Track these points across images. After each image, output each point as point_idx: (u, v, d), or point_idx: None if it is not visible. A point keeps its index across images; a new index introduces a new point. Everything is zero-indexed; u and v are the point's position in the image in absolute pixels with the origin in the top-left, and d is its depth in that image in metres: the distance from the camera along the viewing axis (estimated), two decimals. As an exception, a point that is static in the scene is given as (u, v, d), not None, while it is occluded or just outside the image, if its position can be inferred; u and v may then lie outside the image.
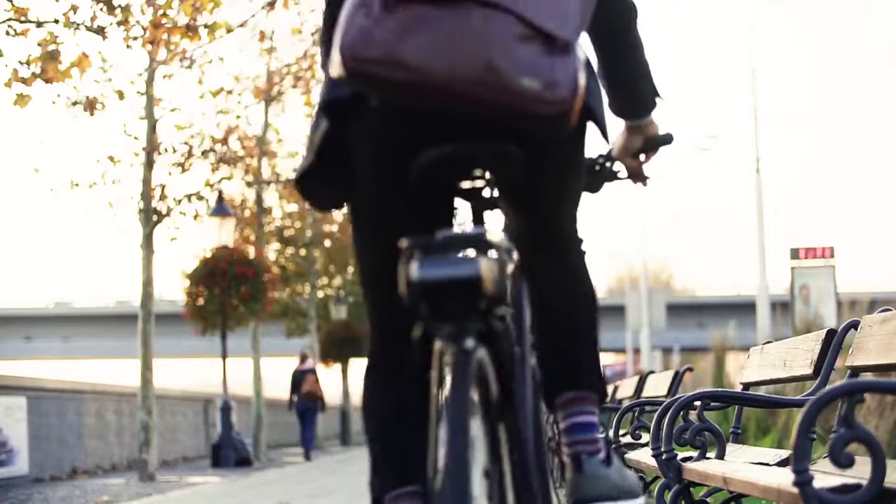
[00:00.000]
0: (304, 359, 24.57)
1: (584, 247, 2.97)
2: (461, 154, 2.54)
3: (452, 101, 2.43)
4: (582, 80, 2.45)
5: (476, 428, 2.23)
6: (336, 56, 2.43)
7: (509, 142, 2.54)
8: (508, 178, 2.63)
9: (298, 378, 23.85)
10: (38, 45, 12.25)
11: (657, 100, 2.95)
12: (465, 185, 2.61)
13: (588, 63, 2.73)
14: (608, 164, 3.04)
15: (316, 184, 2.74)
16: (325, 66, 2.68)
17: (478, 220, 2.62)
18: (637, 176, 3.03)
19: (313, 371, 24.32)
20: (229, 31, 15.52)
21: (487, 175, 2.61)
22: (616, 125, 2.96)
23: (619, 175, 3.07)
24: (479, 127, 2.51)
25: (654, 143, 2.98)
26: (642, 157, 3.00)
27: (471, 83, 2.40)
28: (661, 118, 2.99)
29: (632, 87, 2.91)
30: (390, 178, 2.61)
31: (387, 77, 2.42)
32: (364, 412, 2.76)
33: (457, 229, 2.60)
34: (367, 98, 2.57)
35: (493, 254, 2.27)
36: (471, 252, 2.24)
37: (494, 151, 2.55)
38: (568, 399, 2.80)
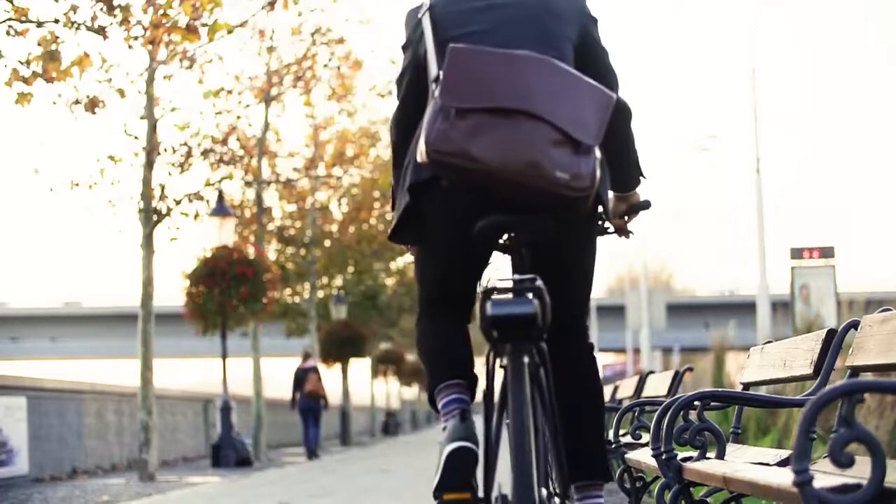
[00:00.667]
0: (306, 357, 24.71)
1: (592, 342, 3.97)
2: (507, 223, 3.58)
3: (503, 185, 3.45)
4: (598, 174, 3.45)
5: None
6: (422, 147, 3.45)
7: (543, 216, 3.53)
8: (541, 243, 3.62)
9: (301, 377, 23.90)
10: (38, 44, 12.24)
11: (641, 178, 4.00)
12: (505, 241, 3.69)
13: (601, 159, 3.60)
14: (601, 223, 3.97)
15: (398, 230, 3.87)
16: (394, 144, 3.92)
17: (515, 269, 3.63)
18: (622, 231, 4.09)
19: (315, 369, 24.36)
20: (230, 31, 15.52)
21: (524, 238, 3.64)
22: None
23: (609, 230, 4.04)
24: (521, 204, 3.51)
25: (636, 208, 4.05)
26: (626, 218, 4.07)
27: (518, 173, 3.41)
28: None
29: (624, 172, 3.96)
30: (454, 237, 3.71)
31: (459, 166, 3.44)
32: (420, 339, 3.92)
33: (518, 277, 3.48)
34: (440, 178, 3.61)
35: (540, 297, 3.34)
36: (529, 295, 3.33)
37: (532, 222, 3.56)
38: (583, 485, 3.73)
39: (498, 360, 3.42)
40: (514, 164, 3.41)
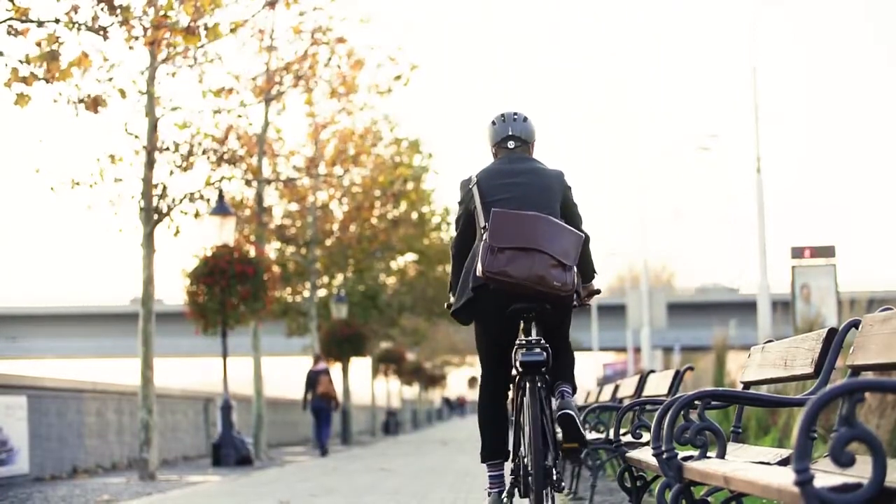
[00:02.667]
0: (317, 360, 26.08)
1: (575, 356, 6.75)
2: (527, 308, 6.28)
3: (525, 289, 6.17)
4: (576, 281, 6.28)
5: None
6: (479, 268, 6.15)
7: (545, 304, 6.26)
8: (545, 318, 6.34)
9: (313, 379, 25.19)
10: (37, 44, 12.23)
11: (594, 274, 6.77)
12: (525, 317, 6.37)
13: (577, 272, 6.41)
14: (574, 303, 6.63)
15: (458, 311, 6.55)
16: (454, 258, 6.65)
17: (529, 333, 6.35)
18: (583, 304, 6.80)
19: (327, 372, 25.70)
20: (232, 30, 15.51)
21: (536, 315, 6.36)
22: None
23: (577, 305, 6.69)
24: (534, 298, 6.23)
25: (592, 292, 6.88)
26: (585, 298, 6.84)
27: (533, 283, 6.14)
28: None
29: (585, 273, 6.73)
30: (498, 316, 6.37)
31: (501, 279, 6.15)
32: (481, 413, 6.56)
33: (533, 338, 6.31)
34: (489, 285, 6.27)
35: (545, 350, 6.22)
36: (539, 348, 6.20)
37: (540, 307, 6.27)
38: (559, 383, 6.49)
39: (524, 384, 6.31)
40: (530, 278, 6.18)
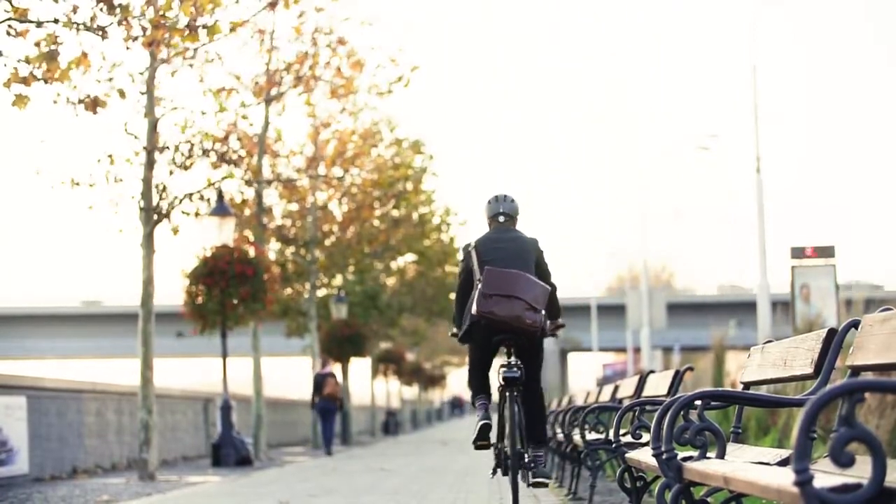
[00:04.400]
0: (324, 363, 27.04)
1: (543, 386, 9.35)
2: (507, 338, 8.78)
3: (506, 325, 8.65)
4: (543, 320, 8.73)
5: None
6: (474, 308, 8.66)
7: (521, 335, 8.73)
8: (522, 347, 8.85)
9: (319, 381, 26.18)
10: (35, 45, 12.21)
11: (559, 314, 9.19)
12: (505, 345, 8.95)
13: (544, 314, 8.83)
14: (542, 336, 8.94)
15: (461, 337, 9.12)
16: (457, 300, 9.21)
17: (509, 356, 8.89)
18: (551, 335, 9.20)
19: (333, 374, 26.58)
20: (232, 30, 15.50)
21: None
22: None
23: (545, 336, 8.96)
24: (512, 331, 8.70)
25: (556, 327, 9.23)
26: (552, 330, 9.19)
27: (512, 321, 8.61)
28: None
29: (553, 313, 9.04)
30: (486, 343, 8.91)
31: (489, 317, 8.63)
32: (469, 374, 9.12)
33: (511, 361, 8.87)
34: (481, 320, 8.71)
35: (520, 369, 8.87)
36: (516, 367, 8.83)
37: (517, 337, 8.76)
38: (533, 445, 8.92)
39: (506, 393, 8.74)
40: (510, 317, 8.54)
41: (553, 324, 9.14)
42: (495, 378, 9.03)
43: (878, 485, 3.08)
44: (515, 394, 8.73)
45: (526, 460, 8.74)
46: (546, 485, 8.83)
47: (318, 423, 27.36)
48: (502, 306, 8.54)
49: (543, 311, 8.64)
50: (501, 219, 9.13)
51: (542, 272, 9.00)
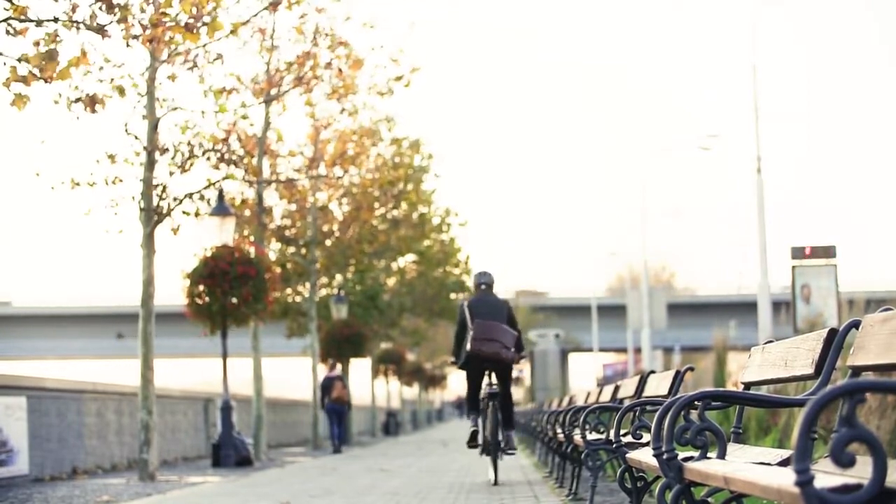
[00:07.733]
0: (332, 366, 28.48)
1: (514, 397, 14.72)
2: (490, 366, 13.75)
3: (490, 358, 13.58)
4: (513, 356, 13.63)
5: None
6: (468, 347, 13.54)
7: (499, 364, 13.71)
8: (499, 373, 13.86)
9: (327, 384, 27.74)
10: (34, 44, 12.19)
11: (524, 349, 14.16)
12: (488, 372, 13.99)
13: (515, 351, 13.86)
14: (512, 365, 14.11)
15: (461, 366, 14.11)
16: (456, 339, 14.17)
17: (491, 380, 13.87)
18: (517, 364, 14.06)
19: (340, 378, 28.27)
20: (233, 31, 15.48)
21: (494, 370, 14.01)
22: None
23: (514, 364, 14.12)
24: (494, 362, 13.67)
25: (521, 357, 13.88)
26: (518, 360, 14.01)
27: (494, 356, 13.54)
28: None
29: (519, 348, 13.81)
30: (477, 369, 13.84)
31: (477, 354, 13.55)
32: (467, 396, 14.11)
33: (493, 382, 13.88)
34: (476, 356, 13.61)
35: (498, 388, 13.92)
36: (496, 387, 13.83)
37: (496, 365, 13.73)
38: (506, 431, 13.91)
39: (489, 403, 13.67)
40: (492, 353, 13.46)
41: (518, 356, 13.63)
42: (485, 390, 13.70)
43: (879, 485, 3.07)
44: (495, 403, 13.47)
45: (500, 440, 13.47)
46: (513, 454, 13.74)
47: (328, 423, 28.60)
48: (487, 346, 13.34)
49: (513, 349, 13.46)
50: (483, 287, 13.93)
51: (512, 322, 13.71)
